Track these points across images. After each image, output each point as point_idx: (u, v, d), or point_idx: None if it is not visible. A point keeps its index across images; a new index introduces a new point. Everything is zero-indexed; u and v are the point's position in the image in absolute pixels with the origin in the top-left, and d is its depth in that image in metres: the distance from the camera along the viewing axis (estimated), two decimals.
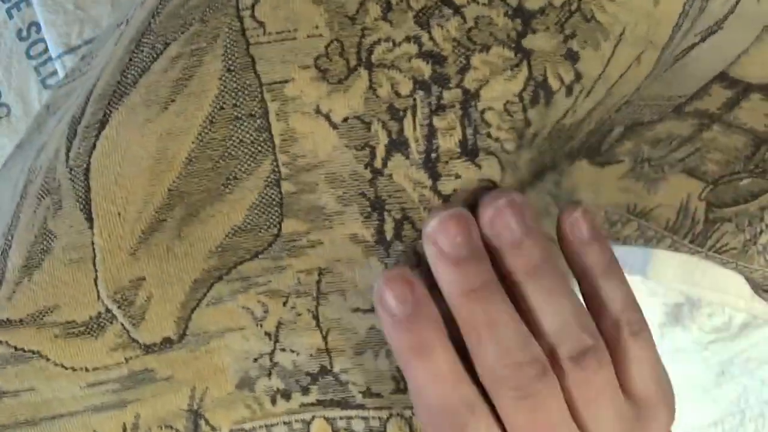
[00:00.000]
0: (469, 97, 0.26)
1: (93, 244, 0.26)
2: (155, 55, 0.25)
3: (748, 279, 0.46)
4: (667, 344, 0.51)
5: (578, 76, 0.27)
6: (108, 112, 0.26)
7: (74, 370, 0.27)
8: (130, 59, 0.26)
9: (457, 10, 0.25)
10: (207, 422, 0.28)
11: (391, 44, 0.26)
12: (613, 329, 0.26)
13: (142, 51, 0.26)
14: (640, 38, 0.28)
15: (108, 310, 0.27)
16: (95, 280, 0.26)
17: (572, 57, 0.26)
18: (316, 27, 0.25)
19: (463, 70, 0.26)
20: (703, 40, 0.31)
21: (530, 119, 0.26)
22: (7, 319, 0.27)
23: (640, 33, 0.28)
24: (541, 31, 0.26)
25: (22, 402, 0.28)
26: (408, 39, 0.26)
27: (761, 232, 0.43)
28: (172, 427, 0.28)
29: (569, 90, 0.26)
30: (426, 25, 0.25)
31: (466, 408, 0.25)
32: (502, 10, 0.25)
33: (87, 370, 0.27)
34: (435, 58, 0.26)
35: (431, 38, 0.26)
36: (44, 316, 0.27)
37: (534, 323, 0.25)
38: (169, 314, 0.27)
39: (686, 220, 0.40)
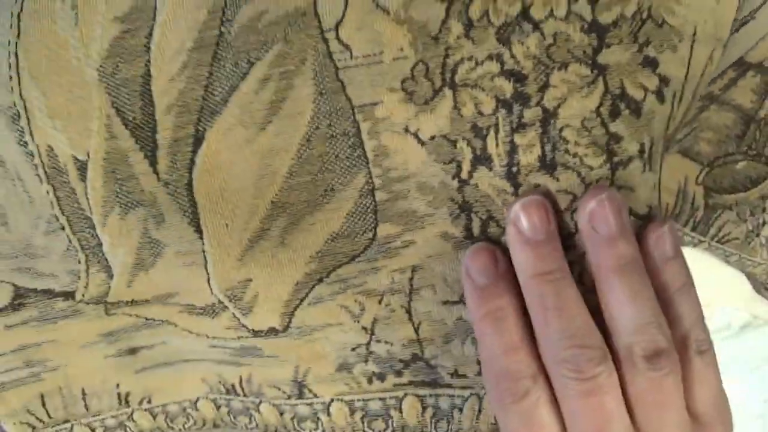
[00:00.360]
0: (549, 116, 0.27)
1: (204, 252, 0.29)
2: (241, 74, 0.27)
3: (749, 277, 0.46)
4: None
5: (665, 80, 0.28)
6: (201, 129, 0.28)
7: (197, 335, 0.32)
8: (211, 73, 0.27)
9: (537, 26, 0.27)
10: (310, 390, 0.32)
11: (474, 63, 0.27)
12: (681, 344, 0.27)
13: (224, 67, 0.27)
14: (710, 36, 0.29)
15: (220, 302, 0.31)
16: (208, 280, 0.30)
17: (651, 63, 0.28)
18: (401, 49, 0.27)
19: (543, 88, 0.27)
20: (736, 30, 0.32)
21: (616, 132, 0.28)
22: (133, 300, 0.31)
23: (709, 31, 0.29)
24: (615, 44, 0.27)
25: (157, 351, 0.33)
26: (490, 57, 0.27)
27: (764, 223, 0.43)
28: (279, 388, 0.33)
29: (660, 96, 0.28)
30: (507, 42, 0.27)
31: (530, 378, 0.27)
32: (578, 25, 0.27)
33: (208, 336, 0.32)
34: (516, 76, 0.27)
35: (512, 56, 0.27)
36: (167, 299, 0.31)
37: (613, 318, 0.27)
38: (274, 310, 0.30)
39: (686, 204, 0.40)
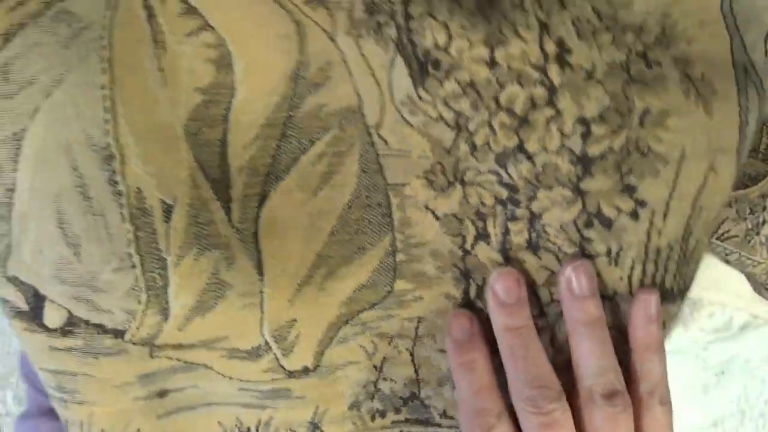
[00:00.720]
0: (534, 216, 0.34)
1: (262, 293, 0.34)
2: (303, 150, 0.33)
3: (749, 278, 0.46)
4: (667, 344, 0.51)
5: (641, 203, 0.33)
6: (266, 190, 0.33)
7: (231, 378, 0.35)
8: (278, 146, 0.33)
9: (529, 157, 0.33)
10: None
11: (477, 172, 0.34)
12: (649, 394, 0.33)
13: (290, 142, 0.33)
14: (704, 151, 0.33)
15: (266, 343, 0.34)
16: (260, 320, 0.34)
17: (629, 189, 0.33)
18: (424, 151, 0.34)
19: (531, 199, 0.34)
20: None
21: (588, 237, 0.34)
22: (180, 344, 0.34)
23: (701, 147, 0.33)
24: (599, 174, 0.33)
25: (185, 394, 0.36)
26: (490, 171, 0.34)
27: (764, 222, 0.43)
28: (295, 431, 0.37)
29: (634, 215, 0.33)
30: (504, 165, 0.33)
31: (495, 415, 0.33)
32: (567, 157, 0.33)
33: (241, 380, 0.35)
34: (510, 187, 0.34)
35: (508, 174, 0.34)
36: (214, 343, 0.34)
37: (579, 365, 0.33)
38: (309, 349, 0.35)
39: None
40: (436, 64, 0.32)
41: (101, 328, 0.33)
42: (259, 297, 0.34)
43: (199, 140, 0.32)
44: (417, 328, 0.36)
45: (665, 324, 0.35)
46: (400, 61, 0.33)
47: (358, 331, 0.36)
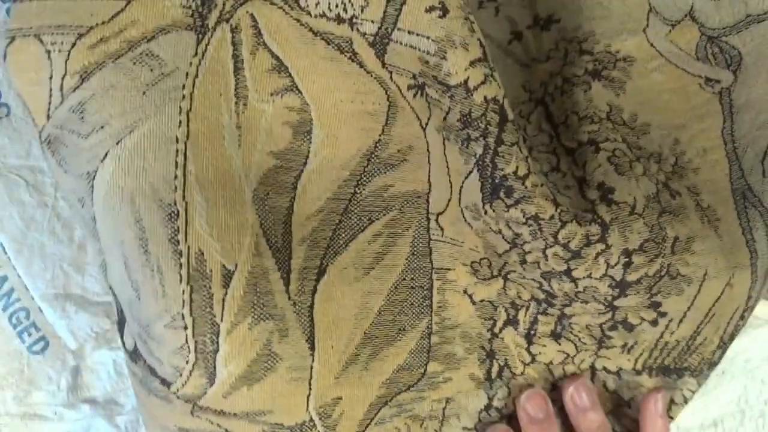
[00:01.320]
0: (565, 316, 0.37)
1: (311, 368, 0.34)
2: (362, 227, 0.34)
3: None
4: None
5: (662, 314, 0.36)
6: (325, 264, 0.34)
7: None
8: (340, 221, 0.34)
9: (573, 280, 0.35)
10: None
11: (521, 276, 0.36)
12: None
13: (351, 218, 0.34)
14: (723, 269, 0.36)
15: (311, 420, 0.34)
16: (308, 396, 0.33)
17: (655, 305, 0.36)
18: (476, 246, 0.36)
19: (565, 305, 0.36)
20: None
21: (610, 336, 0.37)
22: (222, 410, 0.33)
23: (721, 266, 0.36)
24: (632, 294, 0.36)
25: None
26: (534, 279, 0.36)
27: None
28: None
29: (654, 323, 0.37)
30: (548, 280, 0.36)
31: None
32: (608, 282, 0.35)
33: None
34: (549, 294, 0.36)
35: (550, 286, 0.36)
36: (258, 416, 0.33)
37: None
38: (351, 428, 0.35)
39: None
40: (509, 191, 0.33)
41: (153, 371, 0.33)
42: (308, 372, 0.33)
43: (266, 206, 0.32)
44: (444, 408, 0.38)
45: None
46: (475, 176, 0.33)
47: (394, 413, 0.37)
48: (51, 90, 0.30)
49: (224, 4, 0.31)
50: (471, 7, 0.35)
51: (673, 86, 0.39)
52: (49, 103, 0.30)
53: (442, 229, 0.35)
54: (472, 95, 0.32)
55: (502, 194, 0.33)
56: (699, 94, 0.39)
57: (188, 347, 0.31)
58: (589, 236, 0.34)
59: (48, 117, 0.30)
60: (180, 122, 0.30)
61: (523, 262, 0.35)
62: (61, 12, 0.30)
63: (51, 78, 0.30)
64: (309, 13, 0.32)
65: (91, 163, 0.30)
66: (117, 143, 0.30)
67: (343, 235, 0.34)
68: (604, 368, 0.39)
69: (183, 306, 0.31)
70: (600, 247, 0.34)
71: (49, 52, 0.30)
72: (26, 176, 0.47)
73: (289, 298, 0.33)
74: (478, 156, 0.33)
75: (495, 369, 0.38)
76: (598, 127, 0.38)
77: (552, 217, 0.34)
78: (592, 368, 0.38)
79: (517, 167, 0.33)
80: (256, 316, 0.32)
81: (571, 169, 0.37)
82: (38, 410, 0.48)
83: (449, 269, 0.36)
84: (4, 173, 0.47)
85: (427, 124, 0.34)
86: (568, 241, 0.34)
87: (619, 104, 0.38)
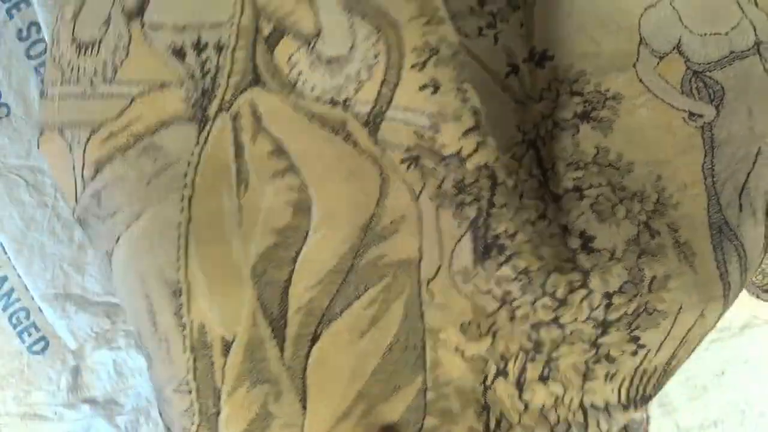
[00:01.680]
0: (551, 362, 0.38)
1: (302, 426, 0.36)
2: (358, 295, 0.36)
3: None
4: None
5: (641, 346, 0.38)
6: (319, 331, 0.36)
7: None
8: (337, 291, 0.36)
9: (561, 326, 0.37)
10: None
11: (511, 332, 0.37)
12: None
13: (347, 288, 0.36)
14: (697, 302, 0.38)
15: None
16: None
17: (635, 339, 0.38)
18: (465, 310, 0.37)
19: (553, 350, 0.38)
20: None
21: (593, 369, 0.38)
22: None
23: (695, 300, 0.38)
24: (614, 332, 0.38)
25: None
26: (523, 332, 0.37)
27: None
28: None
29: (634, 353, 0.38)
30: (536, 331, 0.37)
31: None
32: (591, 324, 0.37)
33: None
34: (537, 342, 0.37)
35: (538, 335, 0.37)
36: None
37: None
38: None
39: None
40: (501, 249, 0.36)
41: (169, 429, 0.37)
42: (299, 428, 0.36)
43: (264, 280, 0.35)
44: None
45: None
46: (468, 238, 0.36)
47: None
48: (75, 178, 0.34)
49: (224, 95, 0.34)
50: (471, 35, 0.38)
51: (659, 122, 0.41)
52: (76, 189, 0.34)
53: (433, 295, 0.37)
54: (465, 163, 0.35)
55: (494, 253, 0.36)
56: (682, 129, 0.41)
57: (193, 410, 0.35)
58: (572, 283, 0.37)
59: (76, 200, 0.34)
60: (182, 208, 0.33)
61: (513, 318, 0.37)
62: (77, 110, 0.34)
63: (74, 167, 0.34)
64: (305, 97, 0.35)
65: (109, 244, 0.35)
66: (127, 228, 0.34)
67: (340, 303, 0.36)
68: (592, 405, 0.39)
69: (188, 372, 0.35)
70: (583, 292, 0.37)
71: (70, 145, 0.34)
72: (26, 176, 0.47)
73: (284, 363, 0.36)
74: (471, 219, 0.36)
75: (493, 421, 0.39)
76: (582, 173, 0.40)
77: (539, 269, 0.36)
78: (582, 407, 0.39)
79: (507, 227, 0.36)
80: (253, 381, 0.35)
81: (556, 217, 0.39)
82: (38, 410, 0.48)
83: (441, 329, 0.38)
84: (4, 173, 0.47)
85: (420, 194, 0.36)
86: (554, 291, 0.37)
87: (606, 145, 0.41)
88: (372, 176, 0.35)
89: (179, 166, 0.34)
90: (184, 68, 0.34)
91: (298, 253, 0.35)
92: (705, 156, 0.40)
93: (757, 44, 0.40)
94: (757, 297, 0.49)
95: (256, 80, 0.35)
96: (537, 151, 0.40)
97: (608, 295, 0.37)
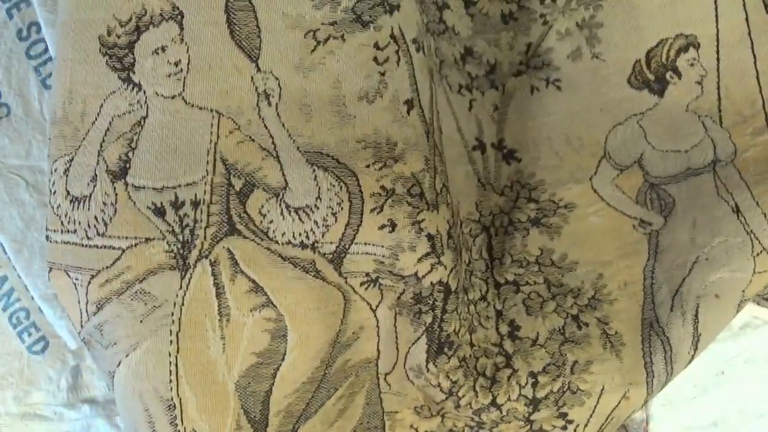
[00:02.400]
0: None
1: None
2: (329, 396, 0.42)
3: None
4: None
5: (569, 422, 0.45)
6: (297, 427, 0.42)
7: None
8: (312, 396, 0.41)
9: (498, 407, 0.44)
10: None
11: (456, 415, 0.45)
12: None
13: (321, 392, 0.42)
14: (619, 386, 0.44)
15: None
16: None
17: (563, 415, 0.44)
18: (417, 398, 0.44)
19: (492, 428, 0.45)
20: None
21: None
22: None
23: (617, 383, 0.44)
24: (543, 408, 0.44)
25: None
26: (466, 416, 0.44)
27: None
28: None
29: (563, 428, 0.45)
30: (478, 415, 0.44)
31: None
32: (523, 401, 0.44)
33: None
34: (479, 423, 0.45)
35: (480, 419, 0.44)
36: None
37: None
38: None
39: None
40: (451, 345, 0.42)
41: None
42: None
43: (247, 392, 0.40)
44: None
45: None
46: (423, 341, 0.42)
47: None
48: (81, 310, 0.40)
49: (203, 244, 0.39)
50: (453, 89, 0.45)
51: (608, 227, 0.46)
52: (81, 319, 0.40)
53: (389, 386, 0.43)
54: (422, 281, 0.41)
55: (446, 349, 0.42)
56: (631, 234, 0.46)
57: None
58: (497, 364, 0.44)
59: (82, 327, 0.40)
60: (171, 341, 0.39)
61: (458, 406, 0.44)
62: (77, 257, 0.39)
63: (79, 302, 0.39)
64: (277, 242, 0.40)
65: (111, 366, 0.40)
66: (126, 356, 0.39)
67: (314, 404, 0.42)
68: None
69: None
70: (508, 372, 0.44)
71: (75, 284, 0.39)
72: (26, 176, 0.47)
73: None
74: (427, 324, 0.42)
75: None
76: (523, 271, 0.46)
77: (471, 355, 0.43)
78: None
79: (456, 326, 0.42)
80: None
81: (494, 301, 0.45)
82: (38, 410, 0.48)
83: (398, 411, 0.44)
84: (4, 173, 0.47)
85: (378, 306, 0.42)
86: (484, 370, 0.43)
87: (552, 247, 0.47)
88: (337, 300, 0.41)
89: (167, 306, 0.39)
90: (165, 224, 0.39)
91: (277, 370, 0.40)
92: (648, 260, 0.46)
93: (714, 162, 0.45)
94: (758, 304, 0.49)
95: (232, 230, 0.40)
96: (489, 238, 0.47)
97: (533, 374, 0.44)
